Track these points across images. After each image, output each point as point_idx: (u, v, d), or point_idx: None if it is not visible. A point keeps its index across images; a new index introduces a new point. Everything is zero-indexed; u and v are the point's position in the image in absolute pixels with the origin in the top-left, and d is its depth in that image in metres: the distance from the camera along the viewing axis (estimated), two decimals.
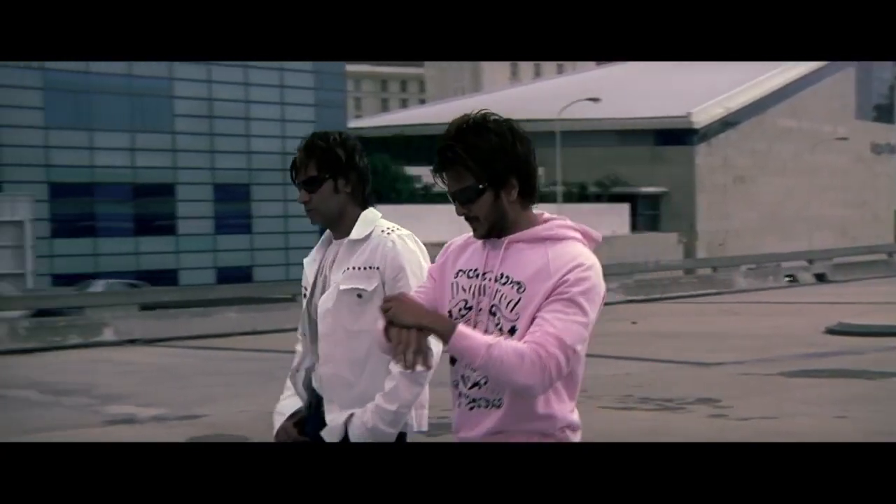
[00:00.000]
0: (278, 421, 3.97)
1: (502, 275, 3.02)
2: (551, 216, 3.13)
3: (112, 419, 11.47)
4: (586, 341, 2.95)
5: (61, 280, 44.86)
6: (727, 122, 72.37)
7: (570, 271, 2.94)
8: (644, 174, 68.82)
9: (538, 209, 3.14)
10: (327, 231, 3.93)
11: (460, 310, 3.04)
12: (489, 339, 2.87)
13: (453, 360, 3.08)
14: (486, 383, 3.01)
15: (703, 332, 19.52)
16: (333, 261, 3.86)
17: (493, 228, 3.05)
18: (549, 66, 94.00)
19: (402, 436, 3.76)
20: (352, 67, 59.49)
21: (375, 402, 3.68)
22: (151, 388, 13.86)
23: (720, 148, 71.75)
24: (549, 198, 50.42)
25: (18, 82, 48.15)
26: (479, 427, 3.02)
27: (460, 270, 3.11)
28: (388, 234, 3.78)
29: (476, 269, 3.07)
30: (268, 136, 54.52)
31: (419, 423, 3.81)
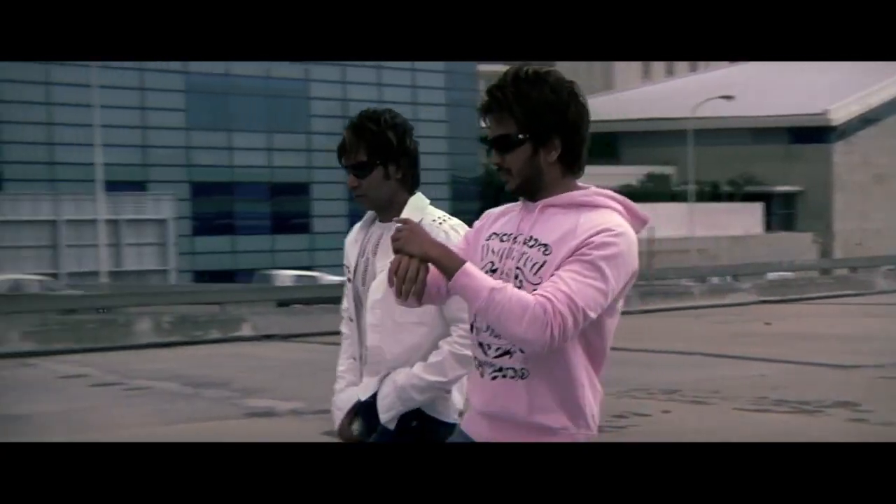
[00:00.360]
0: (338, 417, 3.88)
1: (531, 237, 2.90)
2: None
3: (251, 412, 11.78)
4: (602, 309, 2.79)
5: (204, 276, 46.11)
6: (867, 119, 70.28)
7: (595, 234, 2.80)
8: (778, 173, 67.33)
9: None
10: (370, 212, 3.80)
11: (486, 272, 2.88)
12: (495, 282, 2.74)
13: (472, 328, 2.98)
14: (516, 352, 2.87)
15: (840, 333, 19.05)
16: (377, 244, 3.71)
17: (525, 185, 2.93)
18: (681, 64, 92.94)
19: (432, 421, 3.64)
20: (484, 67, 59.63)
21: (413, 369, 3.59)
22: (288, 382, 14.18)
23: (859, 145, 69.73)
24: (680, 197, 49.79)
25: (162, 86, 49.72)
26: (501, 399, 2.90)
27: (494, 234, 3.01)
28: (440, 223, 3.62)
29: (509, 233, 2.96)
30: None
31: (448, 412, 3.66)
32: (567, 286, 2.72)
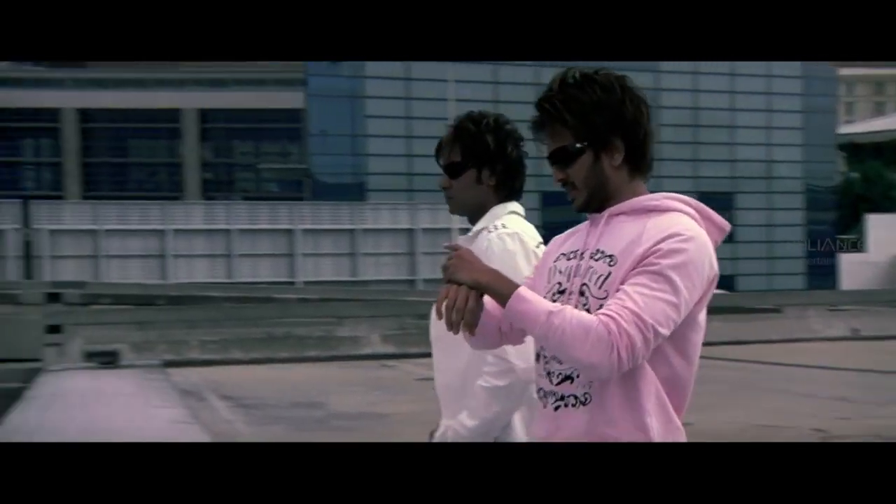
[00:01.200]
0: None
1: (597, 250, 2.63)
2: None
3: None
4: (675, 324, 2.48)
5: None
6: None
7: (662, 240, 2.51)
8: None
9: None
10: None
11: (553, 294, 2.65)
12: (553, 305, 2.49)
13: (538, 357, 2.71)
14: (578, 377, 2.59)
15: None
16: None
17: (592, 197, 2.68)
18: None
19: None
20: (844, 71, 56.97)
21: (459, 417, 3.35)
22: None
23: None
24: None
25: (513, 78, 50.86)
26: (563, 431, 2.62)
27: (562, 254, 2.75)
28: (490, 231, 3.37)
29: (576, 250, 2.70)
30: (752, 144, 53.60)
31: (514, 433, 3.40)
32: (633, 301, 2.45)
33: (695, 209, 2.65)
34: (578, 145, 2.64)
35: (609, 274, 2.57)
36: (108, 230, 39.13)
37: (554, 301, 2.60)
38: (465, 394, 3.33)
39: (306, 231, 44.10)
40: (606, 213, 2.66)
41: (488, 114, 3.48)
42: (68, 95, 65.68)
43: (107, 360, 17.09)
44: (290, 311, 22.40)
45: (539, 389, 2.71)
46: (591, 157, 2.64)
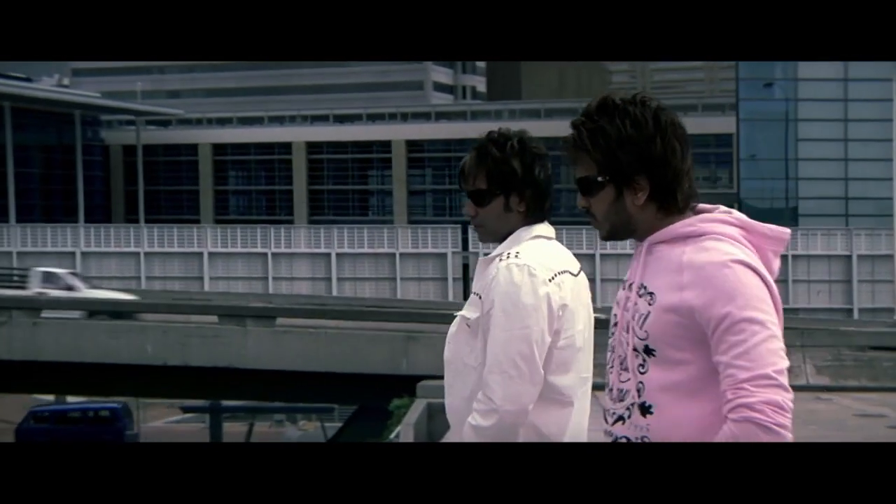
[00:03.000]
0: None
1: (641, 285, 2.53)
2: (710, 208, 2.56)
3: None
4: (783, 347, 2.39)
5: None
6: None
7: (704, 288, 2.40)
8: None
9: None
10: None
11: (612, 326, 2.61)
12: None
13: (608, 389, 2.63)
14: (629, 417, 2.53)
15: None
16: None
17: (615, 232, 2.60)
18: None
19: None
20: None
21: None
22: None
23: None
24: None
25: None
26: None
27: (623, 281, 2.64)
28: (502, 259, 3.14)
29: (629, 280, 2.60)
30: None
31: None
32: (739, 369, 2.35)
33: (738, 226, 2.53)
34: (600, 179, 2.55)
35: (649, 314, 2.50)
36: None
37: (611, 335, 2.60)
38: (464, 404, 3.23)
39: None
40: (647, 242, 2.57)
41: (511, 134, 3.27)
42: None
43: None
44: None
45: (603, 430, 2.67)
46: (613, 193, 2.55)
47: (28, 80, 67.83)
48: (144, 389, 31.21)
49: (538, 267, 3.10)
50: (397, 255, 47.41)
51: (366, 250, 47.11)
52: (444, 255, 46.71)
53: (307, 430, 47.40)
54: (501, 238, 3.25)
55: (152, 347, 25.30)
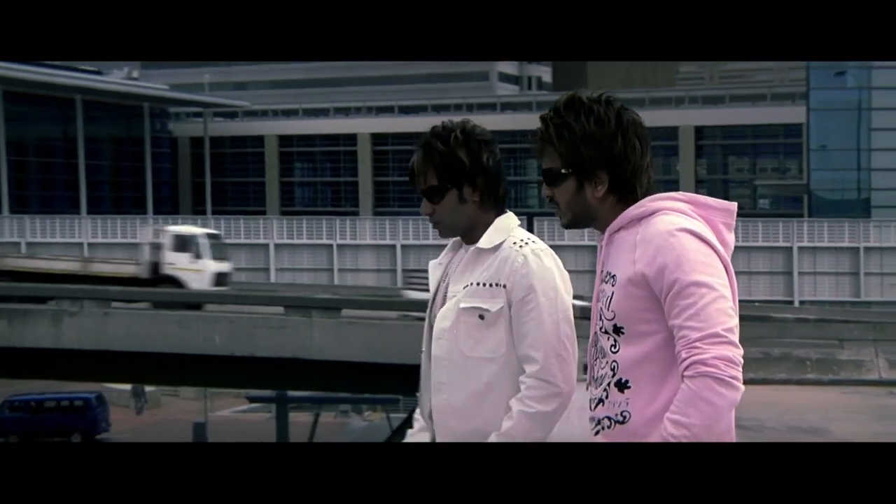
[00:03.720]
0: None
1: (606, 273, 2.72)
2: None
3: None
4: (734, 311, 2.54)
5: None
6: None
7: (654, 257, 2.57)
8: None
9: None
10: None
11: (593, 326, 2.80)
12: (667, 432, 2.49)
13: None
14: (607, 397, 2.70)
15: None
16: (457, 268, 3.28)
17: (576, 220, 2.79)
18: None
19: None
20: None
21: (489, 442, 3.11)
22: None
23: None
24: None
25: None
26: None
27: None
28: (521, 246, 3.16)
29: (597, 272, 2.79)
30: None
31: None
32: (692, 330, 2.50)
33: (685, 201, 2.68)
34: (563, 171, 2.73)
35: (613, 294, 2.65)
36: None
37: (594, 331, 2.76)
38: (481, 416, 3.14)
39: (803, 249, 42.77)
40: (607, 232, 2.73)
41: (454, 125, 3.24)
42: None
43: None
44: (787, 331, 21.84)
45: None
46: (575, 184, 2.73)
47: (98, 73, 68.74)
48: (212, 379, 31.54)
49: (552, 251, 3.17)
50: None
51: (431, 242, 47.09)
52: None
53: (372, 420, 47.60)
54: (462, 231, 3.26)
55: (220, 338, 25.51)
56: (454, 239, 3.34)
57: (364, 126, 71.55)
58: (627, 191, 2.72)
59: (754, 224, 44.50)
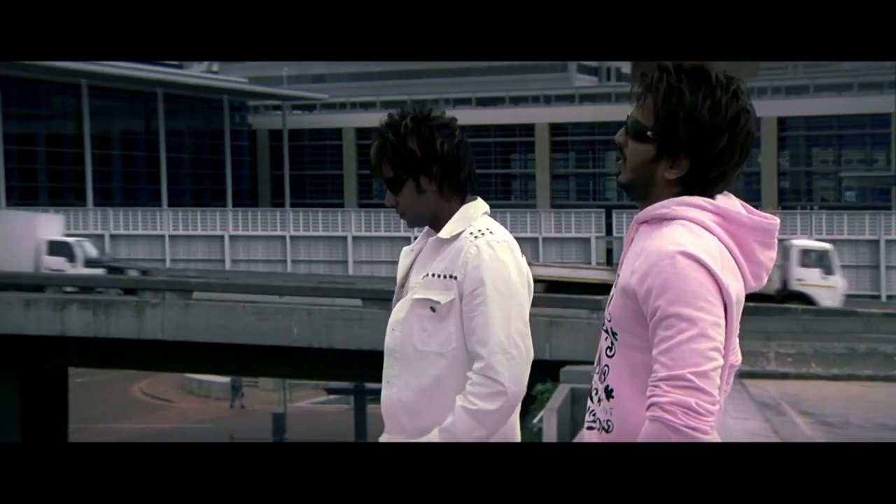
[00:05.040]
0: None
1: (620, 266, 2.50)
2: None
3: None
4: (719, 353, 2.28)
5: None
6: None
7: (645, 276, 2.32)
8: None
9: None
10: None
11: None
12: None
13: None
14: (600, 401, 2.50)
15: None
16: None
17: (632, 186, 2.48)
18: None
19: None
20: None
21: (429, 437, 2.97)
22: None
23: None
24: None
25: None
26: None
27: None
28: (477, 237, 3.00)
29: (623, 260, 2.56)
30: None
31: None
32: (660, 365, 2.28)
33: (713, 212, 2.39)
34: (649, 133, 2.42)
35: (613, 296, 2.46)
36: None
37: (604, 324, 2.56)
38: (429, 413, 3.01)
39: (890, 242, 41.93)
40: (634, 222, 2.50)
41: (405, 112, 3.09)
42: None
43: None
44: (874, 327, 21.39)
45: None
46: (654, 152, 2.43)
47: (179, 66, 69.67)
48: (290, 371, 31.79)
49: (513, 244, 3.04)
50: (540, 240, 47.15)
51: (516, 234, 46.93)
52: (587, 240, 46.24)
53: None
54: (428, 220, 3.13)
55: (298, 330, 25.68)
56: (427, 228, 3.21)
57: None
58: (701, 185, 2.42)
59: (839, 217, 43.67)
